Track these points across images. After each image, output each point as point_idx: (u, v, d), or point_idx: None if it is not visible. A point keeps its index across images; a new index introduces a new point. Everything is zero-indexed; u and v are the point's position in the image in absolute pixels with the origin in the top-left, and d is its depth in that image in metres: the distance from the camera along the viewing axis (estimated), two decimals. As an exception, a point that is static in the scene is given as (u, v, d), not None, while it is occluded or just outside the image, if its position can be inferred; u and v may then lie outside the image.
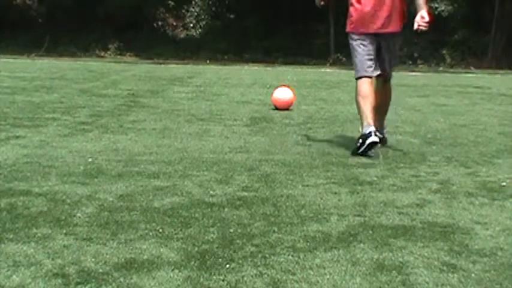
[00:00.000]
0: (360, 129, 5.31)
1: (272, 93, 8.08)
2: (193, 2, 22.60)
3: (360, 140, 5.20)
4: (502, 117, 7.67)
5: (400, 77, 14.74)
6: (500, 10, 20.20)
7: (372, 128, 5.21)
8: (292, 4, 19.18)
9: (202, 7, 22.51)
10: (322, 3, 5.66)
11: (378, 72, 5.52)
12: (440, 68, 19.68)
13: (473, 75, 16.84)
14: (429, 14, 5.25)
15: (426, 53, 20.60)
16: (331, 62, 19.06)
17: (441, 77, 15.51)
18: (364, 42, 5.47)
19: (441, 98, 9.93)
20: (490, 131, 6.53)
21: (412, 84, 12.43)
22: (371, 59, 5.45)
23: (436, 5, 20.28)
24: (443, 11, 20.35)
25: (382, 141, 5.47)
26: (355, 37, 5.50)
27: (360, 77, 5.44)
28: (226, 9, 22.36)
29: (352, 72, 5.51)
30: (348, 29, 5.56)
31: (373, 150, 5.13)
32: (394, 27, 5.46)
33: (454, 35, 20.62)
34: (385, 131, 5.68)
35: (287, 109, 7.73)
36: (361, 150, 5.15)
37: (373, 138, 5.14)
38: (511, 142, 5.89)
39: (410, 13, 5.42)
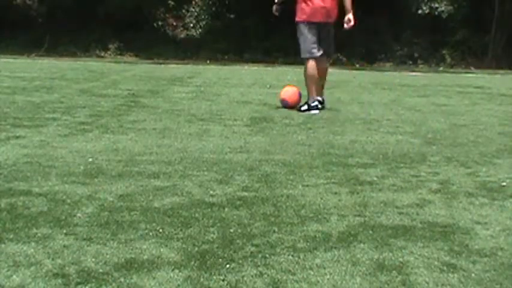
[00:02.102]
0: (308, 99, 7.41)
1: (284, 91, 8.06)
2: (193, 2, 22.57)
3: (306, 107, 7.39)
4: (502, 117, 7.67)
5: (400, 77, 14.75)
6: (500, 10, 20.18)
7: (317, 101, 7.39)
8: (292, 4, 19.16)
9: (202, 7, 22.48)
10: (276, 13, 7.78)
11: (321, 52, 7.44)
12: (441, 68, 19.67)
13: (473, 75, 16.83)
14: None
15: (426, 53, 20.57)
16: (331, 62, 19.04)
17: (441, 77, 15.50)
18: (312, 31, 7.40)
19: (441, 98, 9.92)
20: (490, 131, 6.53)
21: (412, 84, 12.42)
22: (316, 44, 7.41)
23: (436, 5, 20.28)
24: (443, 11, 20.33)
25: (323, 103, 7.51)
26: (306, 26, 7.44)
27: (308, 58, 7.42)
28: (226, 9, 22.33)
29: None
30: (301, 19, 7.52)
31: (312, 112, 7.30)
32: (332, 18, 7.45)
33: (454, 35, 20.60)
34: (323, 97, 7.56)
35: (292, 106, 7.71)
36: (303, 112, 7.31)
37: (315, 112, 7.30)
38: (511, 142, 5.89)
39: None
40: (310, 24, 7.42)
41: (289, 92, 7.95)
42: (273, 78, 12.77)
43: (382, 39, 20.35)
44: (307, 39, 7.44)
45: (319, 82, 7.47)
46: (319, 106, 7.44)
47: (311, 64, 7.41)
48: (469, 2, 20.53)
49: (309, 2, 7.39)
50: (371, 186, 4.10)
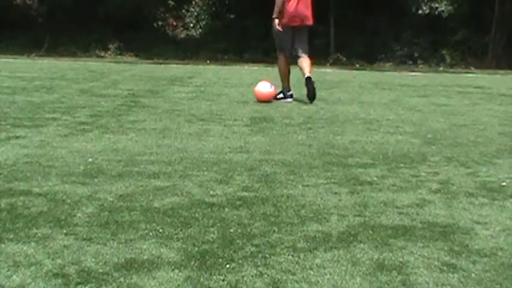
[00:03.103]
0: (283, 87, 8.82)
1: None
2: (193, 2, 22.57)
3: (282, 95, 8.74)
4: (502, 117, 7.67)
5: (400, 77, 14.75)
6: (500, 10, 20.18)
7: (290, 93, 8.79)
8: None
9: (202, 7, 22.48)
10: (280, 28, 8.42)
11: (294, 53, 8.62)
12: (440, 68, 19.66)
13: (473, 75, 16.83)
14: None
15: (426, 53, 20.57)
16: (331, 62, 19.03)
17: (441, 77, 15.50)
18: (289, 34, 8.49)
19: (441, 98, 9.92)
20: (490, 131, 6.53)
21: (412, 84, 12.42)
22: (290, 45, 8.57)
23: (436, 5, 20.28)
24: (443, 11, 20.34)
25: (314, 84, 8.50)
26: (284, 28, 8.43)
27: (283, 56, 8.72)
28: (226, 9, 22.32)
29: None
30: (282, 23, 8.46)
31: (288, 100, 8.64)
32: (308, 22, 8.58)
33: (454, 35, 20.60)
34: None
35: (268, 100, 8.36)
36: (279, 99, 8.63)
37: (289, 100, 8.64)
38: (511, 142, 5.89)
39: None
40: (287, 27, 8.49)
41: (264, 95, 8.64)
42: (273, 78, 12.74)
43: (382, 39, 20.35)
44: (283, 39, 8.63)
45: (289, 76, 8.82)
46: (292, 94, 8.78)
47: (281, 59, 8.81)
48: (469, 2, 20.52)
49: (287, 8, 8.44)
50: (371, 186, 4.10)
